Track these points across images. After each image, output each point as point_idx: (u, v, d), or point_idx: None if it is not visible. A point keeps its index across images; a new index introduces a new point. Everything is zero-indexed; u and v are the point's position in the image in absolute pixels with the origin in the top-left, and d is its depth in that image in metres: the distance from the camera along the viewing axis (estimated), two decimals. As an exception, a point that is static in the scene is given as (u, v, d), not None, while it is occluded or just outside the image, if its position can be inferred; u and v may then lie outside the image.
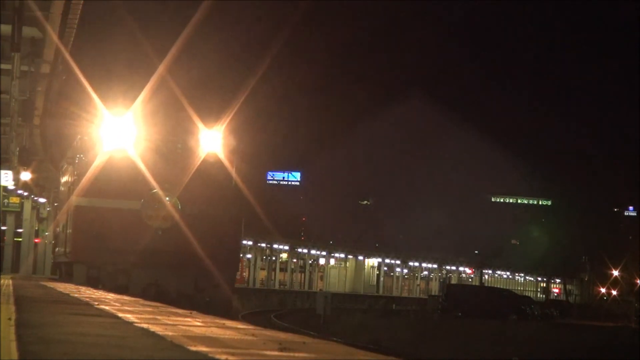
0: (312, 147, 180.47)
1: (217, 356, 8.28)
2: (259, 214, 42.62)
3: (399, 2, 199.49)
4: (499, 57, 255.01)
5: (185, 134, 32.03)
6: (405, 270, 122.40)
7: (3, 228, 62.26)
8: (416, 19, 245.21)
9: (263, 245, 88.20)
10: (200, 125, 31.79)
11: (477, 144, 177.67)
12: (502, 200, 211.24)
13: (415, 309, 79.76)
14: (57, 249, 43.84)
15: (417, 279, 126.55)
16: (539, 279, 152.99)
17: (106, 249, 30.94)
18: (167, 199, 31.07)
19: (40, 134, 45.48)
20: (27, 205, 64.91)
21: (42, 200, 66.80)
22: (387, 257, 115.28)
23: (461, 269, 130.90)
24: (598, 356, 37.67)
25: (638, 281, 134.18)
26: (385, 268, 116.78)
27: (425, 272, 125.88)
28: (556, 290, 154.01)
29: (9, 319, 11.41)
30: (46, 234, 67.41)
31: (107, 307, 16.04)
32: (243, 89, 34.68)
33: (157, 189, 30.96)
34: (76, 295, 21.49)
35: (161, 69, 31.38)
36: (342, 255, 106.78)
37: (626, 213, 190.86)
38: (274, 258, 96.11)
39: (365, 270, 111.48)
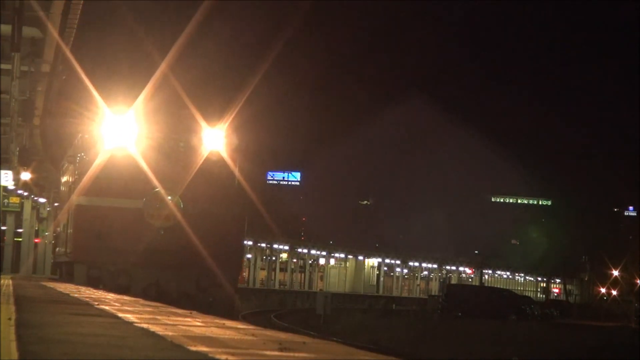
0: (312, 147, 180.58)
1: (217, 356, 8.28)
2: (261, 213, 42.42)
3: (399, 2, 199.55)
4: (499, 57, 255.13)
5: (188, 132, 31.71)
6: (405, 270, 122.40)
7: (3, 228, 62.27)
8: (416, 19, 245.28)
9: (263, 245, 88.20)
10: (202, 123, 31.47)
11: (477, 144, 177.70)
12: (502, 200, 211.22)
13: (415, 309, 79.77)
14: (57, 248, 43.71)
15: (417, 279, 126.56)
16: (539, 279, 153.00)
17: (107, 249, 30.72)
18: (169, 197, 30.83)
19: (40, 134, 45.49)
20: (27, 205, 64.91)
21: (42, 200, 66.80)
22: (387, 257, 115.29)
23: (461, 269, 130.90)
24: (598, 356, 37.68)
25: (638, 281, 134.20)
26: (385, 268, 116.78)
27: (425, 272, 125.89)
28: (556, 290, 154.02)
29: (9, 319, 11.40)
30: (46, 234, 67.43)
31: (107, 307, 16.04)
32: (245, 88, 34.50)
33: (159, 188, 30.69)
34: (76, 295, 21.49)
35: (163, 66, 31.16)
36: (342, 255, 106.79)
37: (626, 213, 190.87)
38: (274, 258, 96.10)
39: (365, 270, 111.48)
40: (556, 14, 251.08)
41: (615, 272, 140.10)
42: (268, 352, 9.07)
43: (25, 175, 50.60)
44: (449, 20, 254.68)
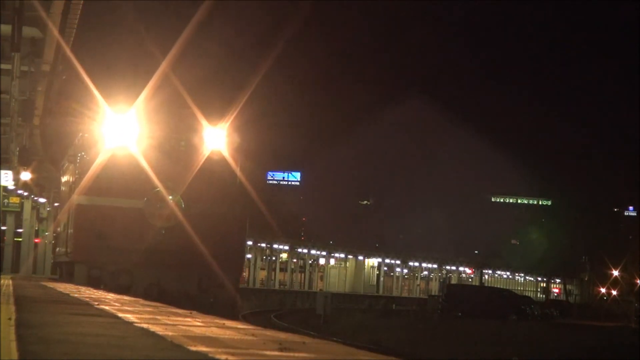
0: (312, 147, 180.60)
1: (217, 356, 8.27)
2: (261, 213, 42.24)
3: (399, 2, 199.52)
4: (499, 57, 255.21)
5: (189, 131, 31.46)
6: (405, 270, 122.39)
7: (3, 228, 62.25)
8: (416, 19, 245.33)
9: (263, 245, 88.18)
10: (204, 122, 31.23)
11: (477, 144, 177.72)
12: (502, 200, 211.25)
13: (415, 309, 79.71)
14: (57, 249, 43.58)
15: (417, 279, 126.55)
16: (539, 279, 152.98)
17: (108, 249, 30.50)
18: (170, 197, 30.61)
19: (40, 134, 45.46)
20: (27, 205, 64.89)
21: (42, 200, 66.79)
22: (387, 257, 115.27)
23: (461, 269, 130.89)
24: (598, 356, 37.67)
25: (638, 281, 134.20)
26: (385, 268, 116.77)
27: (425, 272, 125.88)
28: (556, 290, 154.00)
29: (9, 319, 11.40)
30: (46, 234, 67.42)
31: (107, 307, 16.04)
32: (245, 88, 34.32)
33: (160, 188, 30.51)
34: (76, 295, 21.48)
35: (164, 65, 30.98)
36: (342, 255, 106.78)
37: (626, 213, 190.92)
38: (274, 258, 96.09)
39: (365, 270, 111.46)
40: (556, 14, 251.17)
41: (615, 272, 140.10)
42: (268, 352, 9.07)
43: (25, 175, 50.57)
44: (449, 20, 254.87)
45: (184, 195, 30.78)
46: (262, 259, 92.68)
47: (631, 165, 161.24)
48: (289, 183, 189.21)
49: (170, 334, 10.49)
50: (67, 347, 8.48)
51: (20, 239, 66.38)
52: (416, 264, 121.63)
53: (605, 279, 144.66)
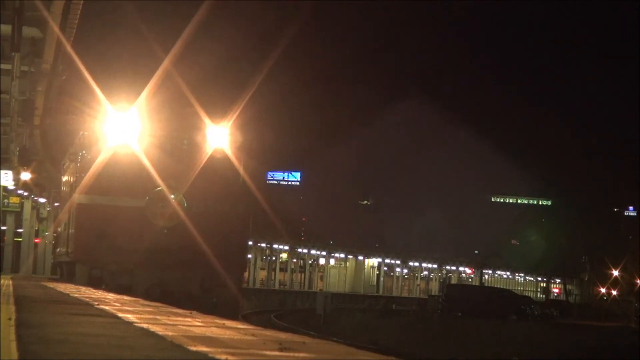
0: (312, 147, 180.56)
1: (217, 356, 8.27)
2: (265, 212, 42.02)
3: (399, 2, 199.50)
4: (499, 57, 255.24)
5: (192, 129, 31.16)
6: (405, 270, 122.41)
7: (3, 228, 62.25)
8: (416, 19, 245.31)
9: (263, 245, 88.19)
10: (206, 120, 30.94)
11: (477, 144, 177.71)
12: (502, 200, 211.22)
13: (415, 309, 79.75)
14: (58, 249, 43.44)
15: (417, 279, 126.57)
16: (539, 279, 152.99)
17: (109, 248, 30.21)
18: (173, 196, 30.33)
19: (40, 134, 45.48)
20: (27, 205, 64.91)
21: (42, 200, 66.80)
22: (387, 257, 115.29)
23: (461, 269, 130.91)
24: (598, 356, 37.67)
25: (638, 281, 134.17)
26: (385, 268, 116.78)
27: (425, 272, 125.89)
28: (556, 290, 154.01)
29: (9, 319, 11.40)
30: (46, 234, 67.44)
31: (107, 307, 16.03)
32: (247, 87, 34.11)
33: (162, 187, 30.23)
34: (76, 295, 21.47)
35: (166, 63, 30.75)
36: (342, 255, 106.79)
37: (626, 213, 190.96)
38: (273, 258, 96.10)
39: (365, 270, 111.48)
40: (556, 14, 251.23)
41: (615, 272, 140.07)
42: (268, 352, 9.07)
43: (25, 175, 50.59)
44: (449, 20, 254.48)
45: (186, 194, 30.50)
46: (262, 259, 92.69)
47: (631, 165, 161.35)
48: (289, 183, 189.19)
49: (170, 334, 10.49)
50: (67, 347, 8.49)
51: (20, 239, 66.41)
52: (416, 264, 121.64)
53: (605, 279, 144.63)
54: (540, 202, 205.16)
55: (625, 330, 64.81)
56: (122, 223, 30.43)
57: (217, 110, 31.51)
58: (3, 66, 30.94)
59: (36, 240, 68.38)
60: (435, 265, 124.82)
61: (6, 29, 26.83)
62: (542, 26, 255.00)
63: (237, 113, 31.37)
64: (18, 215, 64.93)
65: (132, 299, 22.35)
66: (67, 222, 36.05)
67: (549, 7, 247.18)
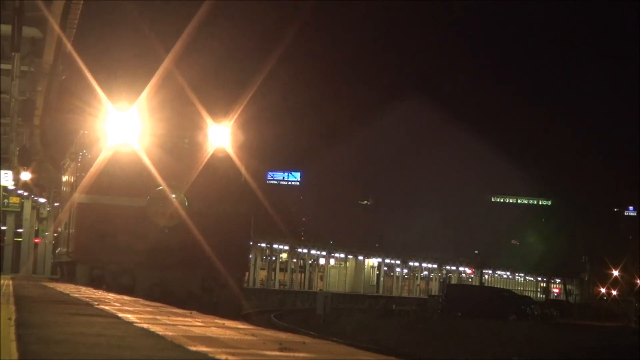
0: (312, 147, 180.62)
1: (217, 356, 8.27)
2: (267, 212, 41.82)
3: (399, 2, 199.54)
4: (499, 57, 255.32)
5: (193, 128, 30.89)
6: (405, 270, 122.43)
7: (3, 228, 62.25)
8: (416, 19, 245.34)
9: (263, 245, 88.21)
10: (208, 119, 30.67)
11: (477, 144, 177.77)
12: (502, 200, 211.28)
13: (415, 309, 79.73)
14: (58, 249, 43.29)
15: (417, 279, 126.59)
16: (539, 279, 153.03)
17: (110, 248, 29.96)
18: (174, 196, 30.16)
19: (40, 134, 45.48)
20: (27, 205, 64.92)
21: (42, 200, 66.82)
22: (387, 257, 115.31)
23: (461, 269, 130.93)
24: (598, 356, 37.67)
25: (638, 281, 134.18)
26: (385, 268, 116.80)
27: (425, 272, 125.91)
28: (556, 290, 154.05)
29: (9, 319, 11.40)
30: (46, 234, 67.46)
31: (107, 307, 16.03)
32: (248, 87, 33.94)
33: (163, 186, 30.01)
34: (76, 295, 21.47)
35: (167, 61, 30.60)
36: (342, 255, 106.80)
37: (626, 213, 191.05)
38: (273, 258, 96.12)
39: (365, 270, 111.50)
40: (556, 14, 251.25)
41: (615, 272, 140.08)
42: (268, 352, 9.07)
43: (25, 175, 50.58)
44: (449, 20, 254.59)
45: (187, 194, 30.28)
46: (262, 259, 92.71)
47: (631, 165, 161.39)
48: (289, 183, 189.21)
49: (170, 334, 10.49)
50: (67, 347, 8.48)
51: (20, 239, 66.42)
52: (416, 264, 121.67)
53: (605, 279, 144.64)
54: (540, 202, 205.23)
55: (625, 330, 64.78)
56: (122, 222, 30.24)
57: (219, 109, 31.34)
58: (3, 66, 30.94)
59: (36, 240, 68.40)
60: (435, 265, 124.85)
61: (6, 29, 26.84)
62: (542, 26, 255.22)
63: (238, 112, 31.19)
64: (18, 215, 64.95)
65: (132, 299, 22.34)
66: (67, 222, 35.90)
67: (549, 7, 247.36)
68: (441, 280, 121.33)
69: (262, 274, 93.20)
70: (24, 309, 14.00)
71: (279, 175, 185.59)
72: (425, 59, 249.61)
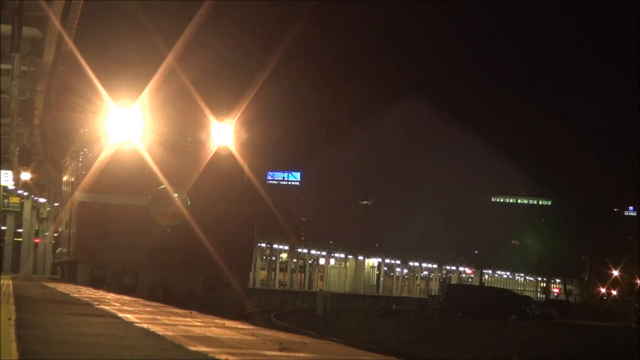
0: (312, 147, 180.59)
1: (217, 356, 8.27)
2: (270, 211, 41.58)
3: (399, 2, 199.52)
4: (499, 57, 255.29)
5: (196, 126, 30.66)
6: (405, 270, 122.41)
7: (3, 228, 62.24)
8: (416, 19, 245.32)
9: (263, 245, 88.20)
10: (211, 117, 30.43)
11: (477, 144, 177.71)
12: (502, 200, 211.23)
13: (415, 309, 79.70)
14: (59, 249, 43.03)
15: (417, 279, 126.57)
16: (539, 279, 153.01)
17: (111, 247, 29.66)
18: (176, 194, 29.93)
19: (40, 134, 45.50)
20: (27, 205, 64.94)
21: (42, 200, 66.83)
22: (387, 257, 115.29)
23: (461, 269, 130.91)
24: (598, 356, 37.66)
25: (638, 281, 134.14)
26: (385, 268, 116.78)
27: (425, 272, 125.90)
28: (556, 290, 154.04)
29: (9, 319, 11.40)
30: (46, 234, 67.46)
31: (107, 307, 16.03)
32: (252, 84, 33.71)
33: (165, 185, 29.76)
34: (76, 295, 21.46)
35: (169, 59, 30.34)
36: (342, 255, 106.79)
37: (626, 213, 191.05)
38: (273, 258, 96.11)
39: (365, 270, 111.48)
40: (556, 14, 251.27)
41: (615, 272, 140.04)
42: (268, 352, 9.07)
43: (25, 175, 50.57)
44: (449, 20, 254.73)
45: (190, 193, 30.01)
46: (262, 259, 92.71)
47: (631, 165, 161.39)
48: (289, 183, 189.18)
49: (170, 334, 10.49)
50: (67, 347, 8.48)
51: (20, 239, 66.42)
52: (416, 264, 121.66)
53: (605, 279, 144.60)
54: (540, 202, 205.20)
55: (625, 330, 64.74)
56: (124, 222, 30.00)
57: (221, 107, 31.10)
58: (3, 66, 30.93)
59: (36, 240, 68.41)
60: (435, 265, 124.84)
61: (6, 29, 26.84)
62: (542, 26, 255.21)
63: (241, 110, 30.96)
64: (18, 215, 64.96)
65: (132, 299, 22.32)
66: (68, 221, 35.59)
67: (549, 7, 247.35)
68: (441, 280, 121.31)
69: (262, 274, 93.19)
70: (24, 309, 14.00)
71: (279, 175, 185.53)
72: (425, 59, 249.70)
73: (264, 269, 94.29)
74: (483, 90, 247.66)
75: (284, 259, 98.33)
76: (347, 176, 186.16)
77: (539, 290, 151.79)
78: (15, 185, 51.42)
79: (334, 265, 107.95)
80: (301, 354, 9.08)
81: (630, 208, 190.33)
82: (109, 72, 33.59)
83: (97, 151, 30.59)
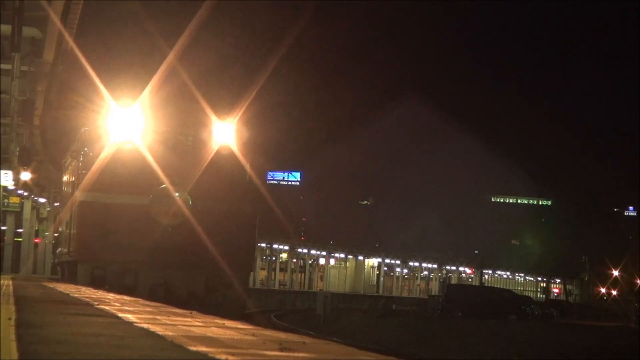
0: (312, 147, 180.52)
1: (217, 356, 8.27)
2: (272, 210, 41.46)
3: (399, 2, 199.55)
4: (499, 58, 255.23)
5: (197, 125, 30.55)
6: (405, 270, 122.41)
7: (3, 228, 62.24)
8: (416, 19, 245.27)
9: (263, 245, 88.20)
10: (212, 116, 30.30)
11: (477, 144, 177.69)
12: (502, 200, 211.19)
13: (415, 309, 79.70)
14: (59, 249, 42.91)
15: (417, 279, 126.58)
16: (539, 279, 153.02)
17: (112, 247, 29.53)
18: (177, 194, 29.77)
19: (40, 134, 45.50)
20: (27, 205, 64.94)
21: (42, 200, 66.83)
22: (387, 257, 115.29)
23: (461, 269, 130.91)
24: (598, 356, 37.65)
25: (638, 281, 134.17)
26: (385, 268, 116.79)
27: (425, 272, 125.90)
28: (556, 290, 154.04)
29: (9, 319, 11.40)
30: (46, 234, 67.47)
31: (107, 307, 16.03)
32: (254, 83, 33.65)
33: (166, 184, 29.64)
34: (76, 295, 21.46)
35: (171, 57, 30.25)
36: (342, 255, 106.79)
37: (626, 213, 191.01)
38: (274, 258, 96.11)
39: (365, 270, 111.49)
40: (556, 14, 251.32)
41: (615, 272, 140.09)
42: (268, 352, 9.06)
43: (25, 175, 50.57)
44: (449, 20, 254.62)
45: (191, 192, 29.87)
46: (262, 259, 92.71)
47: (631, 165, 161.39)
48: (289, 183, 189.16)
49: (170, 334, 10.48)
50: (67, 347, 8.48)
51: (20, 239, 66.42)
52: (416, 264, 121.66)
53: (605, 279, 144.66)
54: (540, 202, 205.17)
55: (625, 330, 64.74)
56: (125, 221, 29.87)
57: (223, 106, 31.00)
58: (3, 66, 30.92)
59: (36, 240, 68.41)
60: (435, 265, 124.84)
61: (6, 29, 26.84)
62: (542, 26, 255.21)
63: (243, 109, 30.86)
64: (18, 215, 64.95)
65: (132, 299, 22.32)
66: (68, 221, 35.43)
67: (549, 7, 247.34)
68: (441, 280, 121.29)
69: (262, 274, 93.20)
70: (24, 309, 14.00)
71: (279, 175, 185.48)
72: (425, 59, 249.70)
73: (264, 269, 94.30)
74: (483, 90, 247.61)
75: (284, 259, 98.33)
76: (347, 176, 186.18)
77: (539, 290, 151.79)
78: (15, 185, 51.42)
79: (334, 265, 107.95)
80: (301, 354, 9.08)
81: (630, 208, 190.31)
82: (109, 71, 33.55)
83: (98, 150, 30.46)
